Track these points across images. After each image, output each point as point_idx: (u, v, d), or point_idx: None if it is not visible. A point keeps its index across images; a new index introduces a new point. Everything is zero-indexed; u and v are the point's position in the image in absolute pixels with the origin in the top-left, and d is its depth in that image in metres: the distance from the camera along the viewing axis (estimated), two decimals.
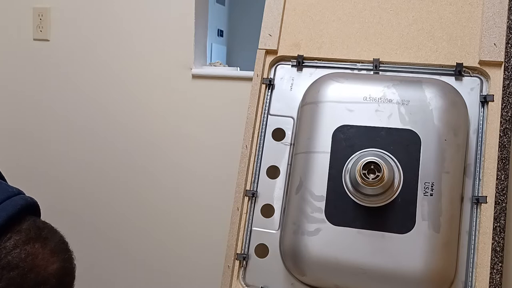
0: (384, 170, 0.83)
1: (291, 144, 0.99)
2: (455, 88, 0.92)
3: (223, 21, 4.17)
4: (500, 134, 0.89)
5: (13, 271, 0.57)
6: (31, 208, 0.64)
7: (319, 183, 0.90)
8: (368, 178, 0.83)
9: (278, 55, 1.04)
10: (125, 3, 1.42)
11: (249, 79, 1.09)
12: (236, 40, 4.20)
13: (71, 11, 1.47)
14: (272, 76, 1.04)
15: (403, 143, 0.88)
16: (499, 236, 0.86)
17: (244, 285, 0.95)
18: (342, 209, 0.87)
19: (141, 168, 1.44)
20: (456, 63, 0.94)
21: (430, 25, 0.97)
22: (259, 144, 1.00)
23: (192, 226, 1.40)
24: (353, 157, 0.89)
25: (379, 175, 0.83)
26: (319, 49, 1.02)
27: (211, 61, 1.71)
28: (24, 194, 0.65)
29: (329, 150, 0.90)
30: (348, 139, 0.90)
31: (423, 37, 0.97)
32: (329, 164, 0.90)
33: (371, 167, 0.84)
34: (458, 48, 0.95)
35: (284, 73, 1.03)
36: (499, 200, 0.88)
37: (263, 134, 1.01)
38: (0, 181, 0.67)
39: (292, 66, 1.03)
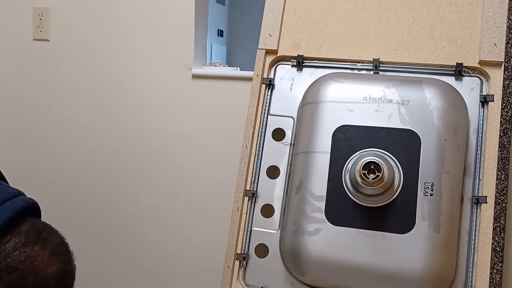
0: (384, 170, 0.83)
1: (291, 144, 0.99)
2: (455, 88, 0.92)
3: (223, 21, 4.17)
4: (500, 134, 0.89)
5: (12, 273, 0.57)
6: (31, 209, 0.64)
7: (319, 183, 0.90)
8: (368, 178, 0.83)
9: (278, 55, 1.03)
10: (125, 3, 1.42)
11: (249, 79, 1.09)
12: (236, 40, 4.20)
13: (71, 11, 1.47)
14: (272, 76, 1.04)
15: (403, 143, 0.87)
16: (499, 236, 0.86)
17: (244, 285, 0.95)
18: (342, 209, 0.87)
19: (141, 168, 1.44)
20: (456, 63, 0.94)
21: (430, 25, 0.97)
22: (259, 144, 1.00)
23: (192, 226, 1.40)
24: (353, 157, 0.88)
25: (379, 175, 0.83)
26: (319, 49, 1.02)
27: (211, 61, 1.71)
28: (24, 195, 0.65)
29: (329, 150, 0.90)
30: (348, 139, 0.90)
31: (423, 37, 0.97)
32: (329, 164, 0.90)
33: (371, 167, 0.84)
34: (458, 48, 0.95)
35: (284, 73, 1.03)
36: (499, 200, 0.88)
37: (263, 134, 1.01)
38: (0, 181, 0.67)
39: (292, 66, 1.03)
